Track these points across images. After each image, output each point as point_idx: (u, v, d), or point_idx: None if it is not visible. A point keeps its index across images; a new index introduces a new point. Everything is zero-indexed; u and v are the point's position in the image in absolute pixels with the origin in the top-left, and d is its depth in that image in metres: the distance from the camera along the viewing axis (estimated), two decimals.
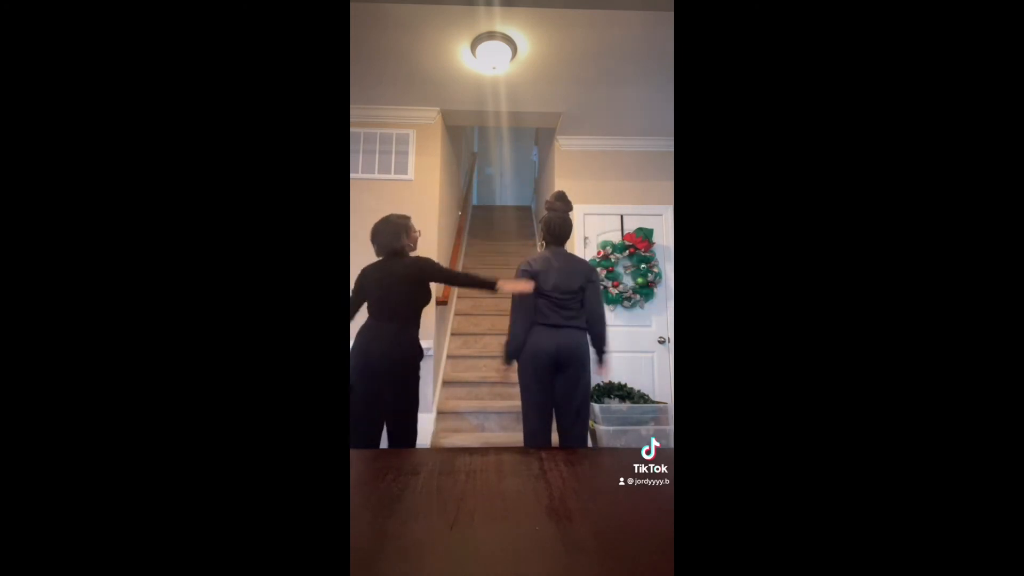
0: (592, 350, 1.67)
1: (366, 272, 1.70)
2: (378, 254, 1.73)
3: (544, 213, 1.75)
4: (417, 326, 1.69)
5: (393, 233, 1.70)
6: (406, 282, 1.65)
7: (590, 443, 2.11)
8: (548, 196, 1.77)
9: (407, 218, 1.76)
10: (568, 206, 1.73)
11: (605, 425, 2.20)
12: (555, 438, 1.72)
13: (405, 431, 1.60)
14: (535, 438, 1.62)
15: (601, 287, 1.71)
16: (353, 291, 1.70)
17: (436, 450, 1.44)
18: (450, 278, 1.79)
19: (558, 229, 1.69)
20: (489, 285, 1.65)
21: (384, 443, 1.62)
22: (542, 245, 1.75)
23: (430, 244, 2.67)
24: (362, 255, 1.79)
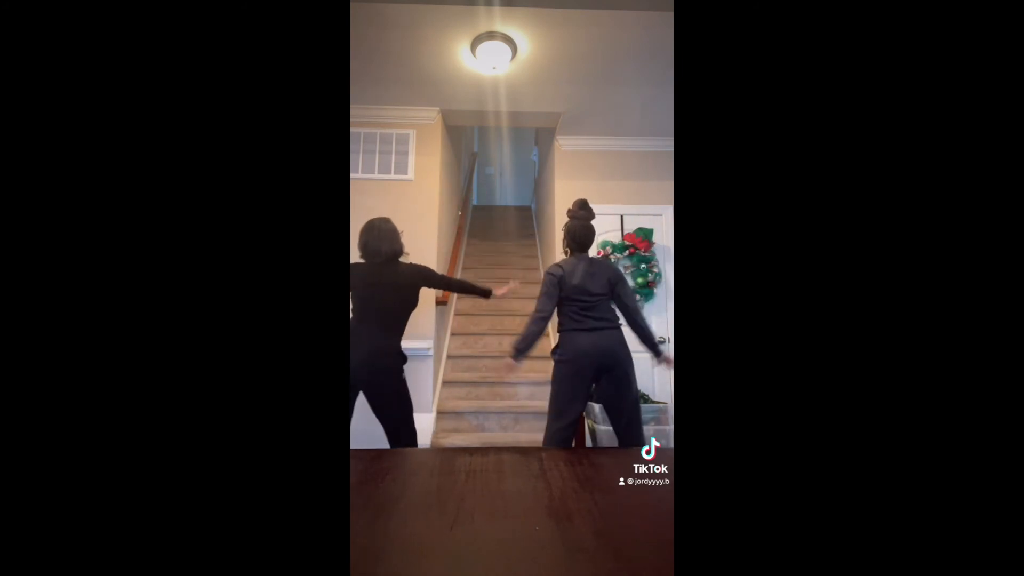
0: (644, 346, 1.66)
1: (352, 273, 1.65)
2: (368, 259, 1.68)
3: (567, 221, 1.75)
4: (401, 333, 1.66)
5: (388, 238, 1.68)
6: (404, 288, 1.66)
7: (589, 443, 2.11)
8: (571, 205, 1.77)
9: (390, 220, 1.73)
10: (591, 214, 1.73)
11: (605, 425, 2.20)
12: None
13: (408, 436, 1.61)
14: (556, 441, 1.56)
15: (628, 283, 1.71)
16: None
17: (436, 450, 1.45)
18: (447, 285, 1.82)
19: (581, 236, 1.70)
20: (484, 293, 1.82)
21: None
22: (567, 252, 1.74)
23: (429, 244, 2.67)
24: (351, 252, 1.76)
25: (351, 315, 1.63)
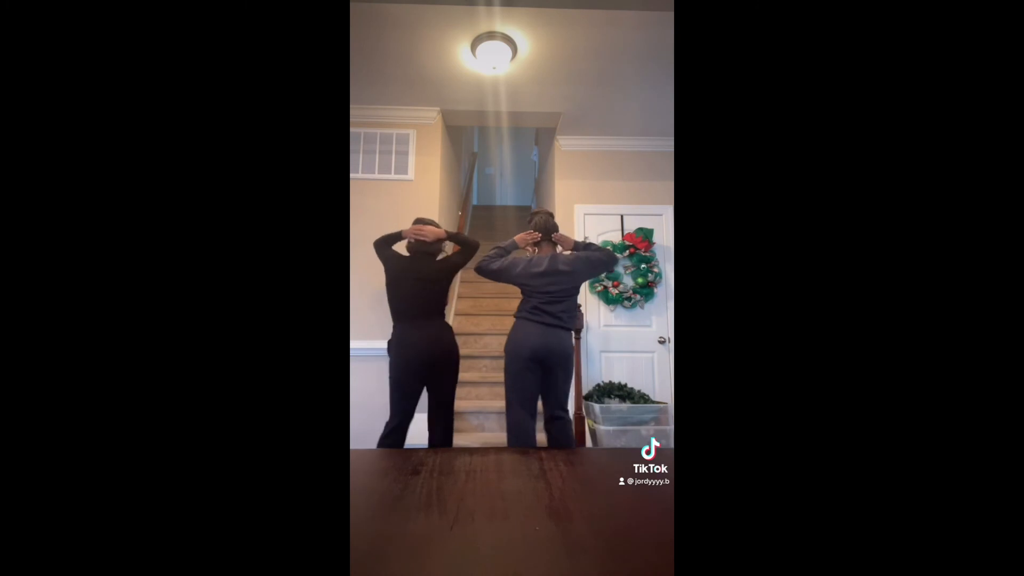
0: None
1: (396, 269, 1.76)
2: (411, 252, 1.81)
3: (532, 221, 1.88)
4: (445, 319, 1.81)
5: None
6: (444, 280, 1.77)
7: (589, 443, 2.11)
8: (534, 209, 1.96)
9: (434, 221, 1.86)
10: (548, 211, 1.88)
11: (605, 425, 2.20)
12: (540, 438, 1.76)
13: (450, 423, 1.74)
14: (519, 429, 1.63)
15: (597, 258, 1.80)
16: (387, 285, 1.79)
17: (436, 450, 1.46)
18: (456, 259, 1.87)
19: (542, 225, 1.82)
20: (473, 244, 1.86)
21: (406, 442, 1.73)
22: (534, 250, 1.84)
23: None
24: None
25: (398, 309, 1.73)
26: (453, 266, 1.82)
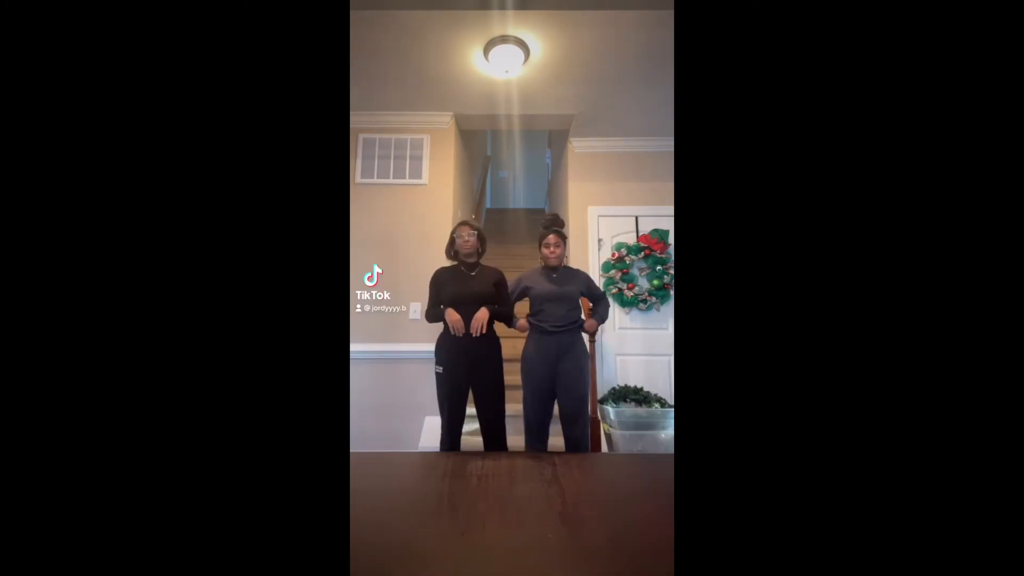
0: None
1: (443, 278, 1.75)
2: (451, 259, 1.81)
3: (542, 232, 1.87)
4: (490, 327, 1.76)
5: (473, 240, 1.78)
6: (489, 288, 1.74)
7: (605, 447, 2.09)
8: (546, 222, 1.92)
9: (479, 226, 1.83)
10: (559, 223, 1.87)
11: (621, 429, 2.17)
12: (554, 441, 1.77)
13: (502, 430, 1.69)
14: (533, 435, 1.69)
15: (602, 292, 1.85)
16: (431, 296, 1.75)
17: (448, 454, 1.45)
18: (506, 301, 1.80)
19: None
20: (509, 319, 1.78)
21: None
22: (541, 265, 1.85)
23: (444, 248, 2.68)
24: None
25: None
26: (499, 286, 1.77)
